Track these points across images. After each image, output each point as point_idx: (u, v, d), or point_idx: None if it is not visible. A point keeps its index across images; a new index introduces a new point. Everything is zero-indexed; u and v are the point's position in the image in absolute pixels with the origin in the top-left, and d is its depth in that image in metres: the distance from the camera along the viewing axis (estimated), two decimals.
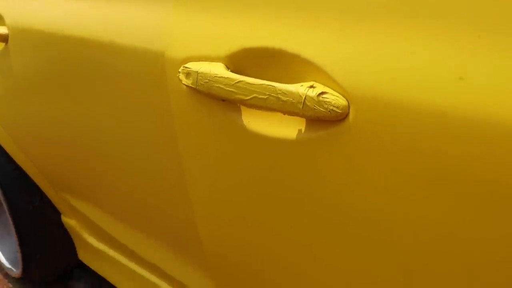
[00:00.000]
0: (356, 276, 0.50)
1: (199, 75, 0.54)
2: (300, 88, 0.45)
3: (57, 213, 1.27)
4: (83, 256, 1.25)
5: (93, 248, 1.16)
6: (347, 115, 0.43)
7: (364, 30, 0.42)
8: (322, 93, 0.43)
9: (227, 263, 0.69)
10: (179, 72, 0.58)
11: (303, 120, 0.48)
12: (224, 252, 0.68)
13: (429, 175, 0.39)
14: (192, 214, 0.70)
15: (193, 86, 0.56)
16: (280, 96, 0.46)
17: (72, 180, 1.05)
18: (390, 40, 0.40)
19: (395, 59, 0.40)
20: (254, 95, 0.49)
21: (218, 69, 0.53)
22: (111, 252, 1.10)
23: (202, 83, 0.54)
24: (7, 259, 1.45)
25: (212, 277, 0.76)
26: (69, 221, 1.23)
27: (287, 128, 0.49)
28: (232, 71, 0.53)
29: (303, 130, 0.48)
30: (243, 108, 0.53)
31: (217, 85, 0.52)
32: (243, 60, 0.52)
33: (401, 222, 0.43)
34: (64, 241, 1.29)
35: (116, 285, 1.14)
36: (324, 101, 0.43)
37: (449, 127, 0.37)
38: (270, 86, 0.47)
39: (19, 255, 1.32)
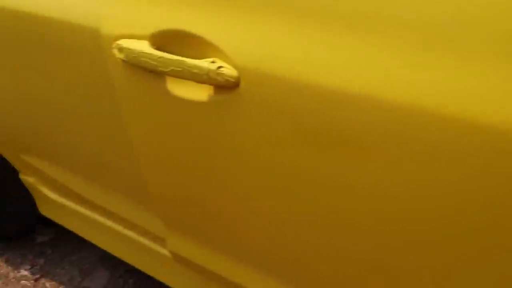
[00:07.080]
0: (264, 211, 0.67)
1: (128, 50, 0.67)
2: (204, 63, 0.59)
3: (15, 172, 1.37)
4: (44, 210, 1.38)
5: (53, 201, 1.29)
6: (239, 83, 0.58)
7: (257, 20, 0.56)
8: (220, 67, 0.58)
9: (168, 202, 0.85)
10: (113, 47, 0.70)
11: (211, 87, 0.62)
12: (165, 193, 0.84)
13: (304, 133, 0.56)
14: (138, 163, 0.84)
15: (125, 59, 0.68)
16: (190, 69, 0.60)
17: (27, 141, 1.15)
18: (275, 29, 0.55)
19: (276, 44, 0.55)
20: (172, 67, 0.62)
21: (143, 46, 0.65)
22: (70, 203, 1.24)
23: (131, 57, 0.67)
24: None
25: (159, 215, 0.92)
26: (27, 179, 1.33)
27: (200, 93, 0.64)
28: (156, 48, 0.66)
29: (211, 95, 0.62)
30: (166, 77, 0.67)
31: (143, 59, 0.65)
32: (163, 39, 0.65)
33: (289, 174, 0.60)
34: (25, 198, 1.40)
35: (76, 231, 1.29)
36: (222, 73, 0.58)
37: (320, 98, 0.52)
38: (183, 61, 0.61)
39: None
